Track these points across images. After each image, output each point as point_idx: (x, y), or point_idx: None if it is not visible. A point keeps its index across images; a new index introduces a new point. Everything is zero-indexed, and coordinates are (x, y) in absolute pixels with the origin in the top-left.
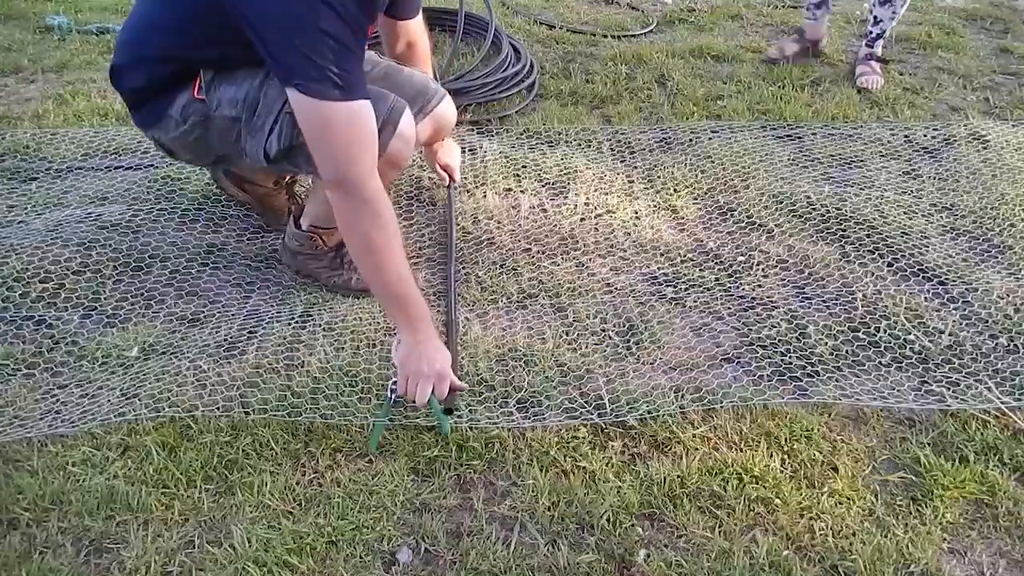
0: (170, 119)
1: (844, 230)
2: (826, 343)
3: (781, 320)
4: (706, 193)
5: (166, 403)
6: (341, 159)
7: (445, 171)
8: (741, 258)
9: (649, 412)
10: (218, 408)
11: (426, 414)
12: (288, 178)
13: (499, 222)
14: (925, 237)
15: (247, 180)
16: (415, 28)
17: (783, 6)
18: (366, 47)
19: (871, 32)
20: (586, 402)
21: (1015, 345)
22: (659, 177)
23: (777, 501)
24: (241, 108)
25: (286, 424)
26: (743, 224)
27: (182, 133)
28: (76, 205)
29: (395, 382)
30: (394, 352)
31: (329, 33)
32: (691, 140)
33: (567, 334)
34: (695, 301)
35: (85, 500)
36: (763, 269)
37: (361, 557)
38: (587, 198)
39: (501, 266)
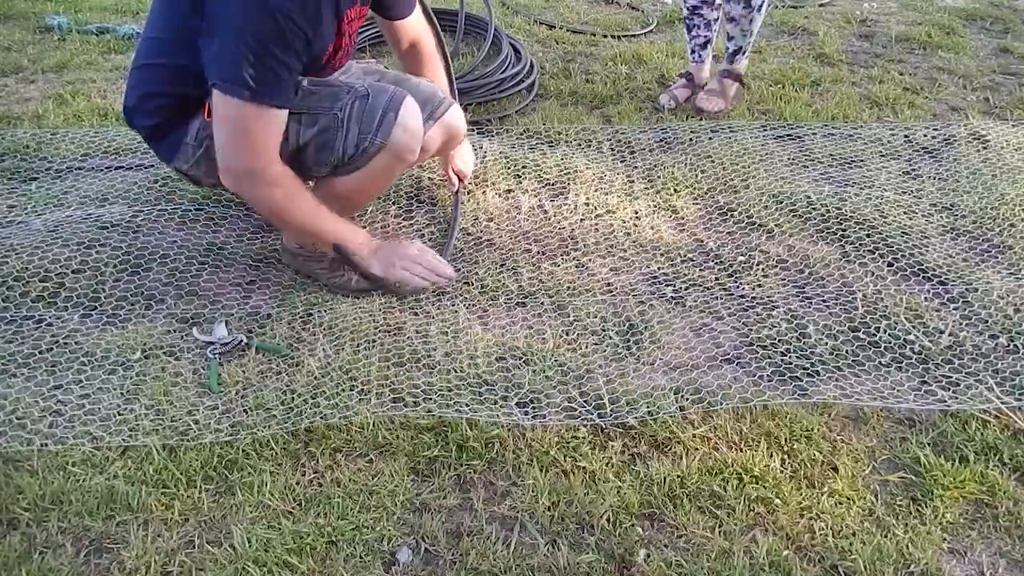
0: (187, 146)
1: (844, 230)
2: (826, 343)
3: (781, 320)
4: (706, 193)
5: (166, 403)
6: (237, 152)
7: (457, 175)
8: (741, 258)
9: (649, 413)
10: (218, 409)
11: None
12: None
13: (499, 222)
14: (925, 237)
15: None
16: (415, 27)
17: (783, 6)
18: (325, 52)
19: (727, 48)
20: (586, 402)
21: (1015, 345)
22: (659, 177)
23: (777, 501)
24: None
25: (286, 423)
26: (743, 224)
27: (199, 158)
28: (76, 205)
29: (214, 349)
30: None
31: (261, 41)
32: (691, 140)
33: (567, 334)
34: (695, 301)
35: (85, 500)
36: (763, 269)
37: (361, 557)
38: (587, 198)
39: (501, 266)
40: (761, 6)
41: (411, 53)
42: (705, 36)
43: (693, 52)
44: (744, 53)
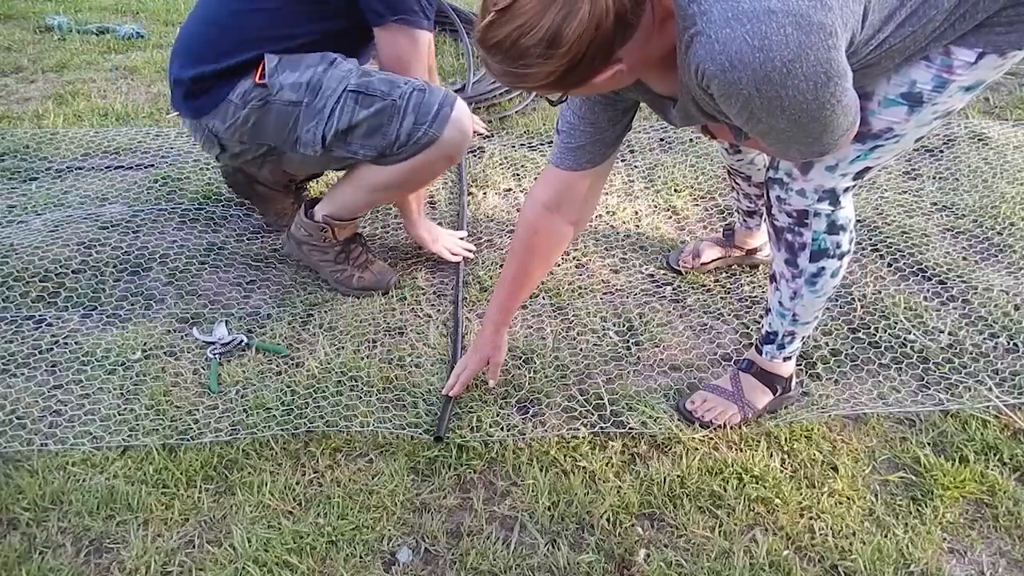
0: (230, 104)
1: None
2: (826, 343)
3: None
4: (706, 194)
5: (166, 403)
6: (416, 70)
7: None
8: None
9: (649, 416)
10: (218, 409)
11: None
12: (298, 184)
13: (499, 222)
14: (925, 236)
15: (256, 180)
16: None
17: None
18: None
19: (761, 328)
20: (586, 402)
21: (1015, 344)
22: (659, 177)
23: (777, 501)
24: (303, 92)
25: (286, 423)
26: None
27: (240, 120)
28: (76, 205)
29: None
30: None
31: None
32: (691, 140)
33: (567, 334)
34: (695, 301)
35: (85, 500)
36: (763, 269)
37: (361, 557)
38: None
39: (501, 266)
40: (817, 281)
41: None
42: (748, 207)
43: (736, 212)
44: (783, 347)
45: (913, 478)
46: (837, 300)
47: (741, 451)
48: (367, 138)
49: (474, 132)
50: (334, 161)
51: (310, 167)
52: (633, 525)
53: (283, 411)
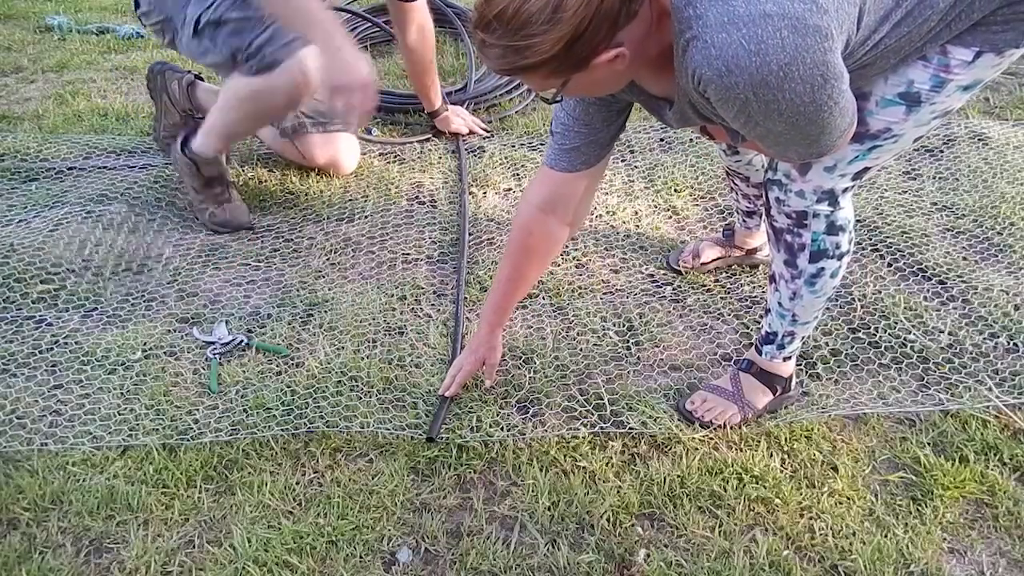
0: None
1: None
2: (826, 343)
3: None
4: (706, 194)
5: (166, 403)
6: None
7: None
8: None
9: (649, 416)
10: (218, 409)
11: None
12: (195, 116)
13: (499, 222)
14: (925, 236)
15: (167, 89)
16: (423, 11)
17: None
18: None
19: (761, 328)
20: (586, 402)
21: (1015, 344)
22: (659, 177)
23: (777, 501)
24: None
25: (286, 423)
26: None
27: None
28: (76, 205)
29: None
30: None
31: None
32: (691, 140)
33: (567, 334)
34: (695, 301)
35: (85, 500)
36: (763, 269)
37: (361, 557)
38: None
39: None
40: (817, 282)
41: (417, 40)
42: (747, 207)
43: (736, 213)
44: (783, 347)
45: (913, 478)
46: (837, 300)
47: (741, 451)
48: (230, 36)
49: (471, 132)
50: (204, 52)
51: (192, 55)
52: (633, 525)
53: (283, 411)
